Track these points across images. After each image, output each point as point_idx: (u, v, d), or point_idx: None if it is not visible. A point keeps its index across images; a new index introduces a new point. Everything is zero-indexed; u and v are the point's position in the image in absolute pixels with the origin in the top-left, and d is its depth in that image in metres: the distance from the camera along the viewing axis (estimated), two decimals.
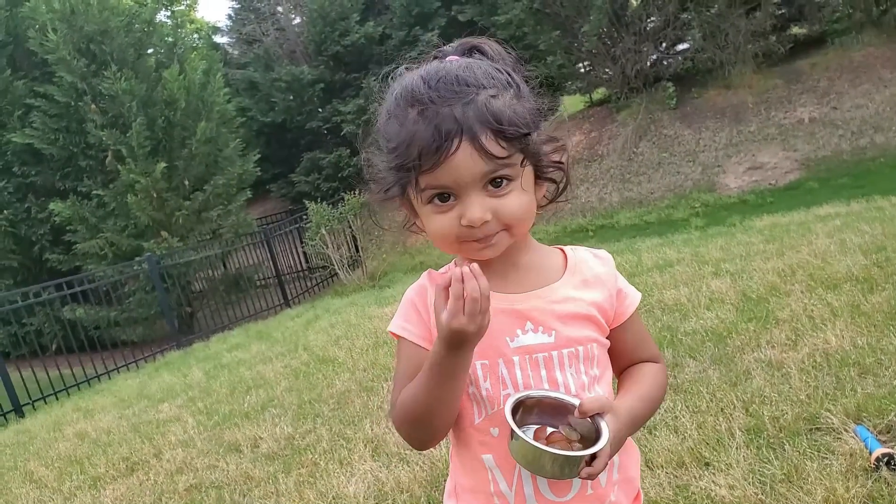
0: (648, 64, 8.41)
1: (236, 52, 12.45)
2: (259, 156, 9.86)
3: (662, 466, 1.57)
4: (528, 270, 0.75)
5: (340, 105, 10.32)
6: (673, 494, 1.46)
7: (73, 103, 7.96)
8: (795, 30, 8.48)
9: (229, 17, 12.48)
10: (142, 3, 8.89)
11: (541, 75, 0.75)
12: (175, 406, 3.36)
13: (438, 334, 0.65)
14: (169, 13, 11.08)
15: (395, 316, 0.77)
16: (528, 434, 0.66)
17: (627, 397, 0.74)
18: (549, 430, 0.69)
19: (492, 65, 0.70)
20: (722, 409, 1.75)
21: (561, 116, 8.89)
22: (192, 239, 8.16)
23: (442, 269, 0.78)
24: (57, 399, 5.51)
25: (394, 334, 0.76)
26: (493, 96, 0.66)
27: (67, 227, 8.20)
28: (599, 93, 9.29)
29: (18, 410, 5.42)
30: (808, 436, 1.54)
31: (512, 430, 0.65)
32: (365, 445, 2.14)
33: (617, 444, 0.68)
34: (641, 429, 1.72)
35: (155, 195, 7.78)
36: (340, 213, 8.12)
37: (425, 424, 0.70)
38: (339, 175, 10.40)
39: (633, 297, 0.79)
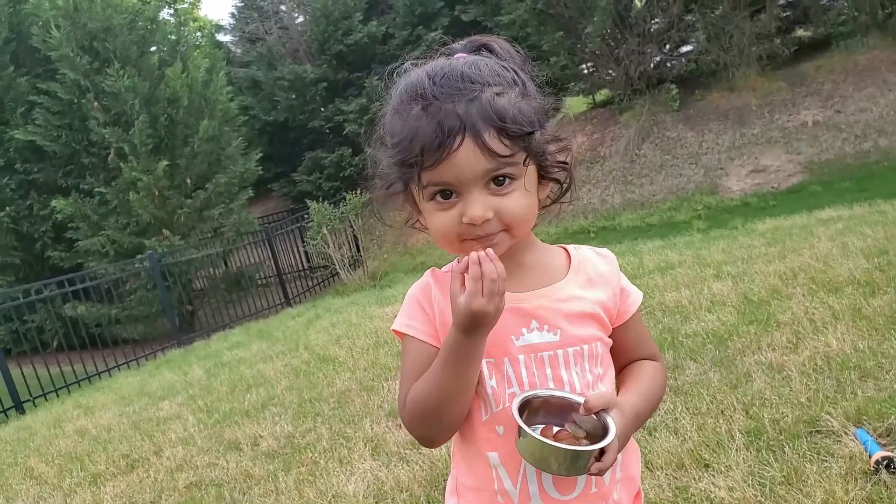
0: (652, 65, 8.40)
1: (239, 51, 12.47)
2: (261, 154, 9.87)
3: (662, 468, 1.57)
4: (532, 269, 0.75)
5: (343, 104, 10.33)
6: (672, 496, 1.46)
7: (75, 100, 7.98)
8: (800, 32, 8.47)
9: (232, 15, 12.51)
10: (145, 1, 8.90)
11: (546, 75, 0.75)
12: (175, 404, 3.36)
13: (455, 320, 0.65)
14: (172, 11, 11.11)
15: (400, 315, 0.77)
16: (535, 433, 0.66)
17: (630, 394, 0.74)
18: (555, 429, 0.69)
19: (498, 62, 0.70)
20: (722, 412, 1.75)
21: (567, 116, 8.88)
22: (194, 237, 8.18)
23: (445, 268, 0.78)
24: (57, 396, 5.52)
25: (399, 333, 0.76)
26: (497, 94, 0.66)
27: (69, 225, 8.22)
28: (602, 94, 9.28)
29: (19, 407, 5.43)
30: (808, 438, 1.54)
31: (520, 427, 0.65)
32: (365, 444, 2.14)
33: (623, 440, 0.68)
34: (641, 429, 1.72)
35: (157, 193, 7.80)
36: (342, 213, 8.13)
37: (439, 418, 0.70)
38: (341, 174, 10.41)
39: (636, 296, 0.80)
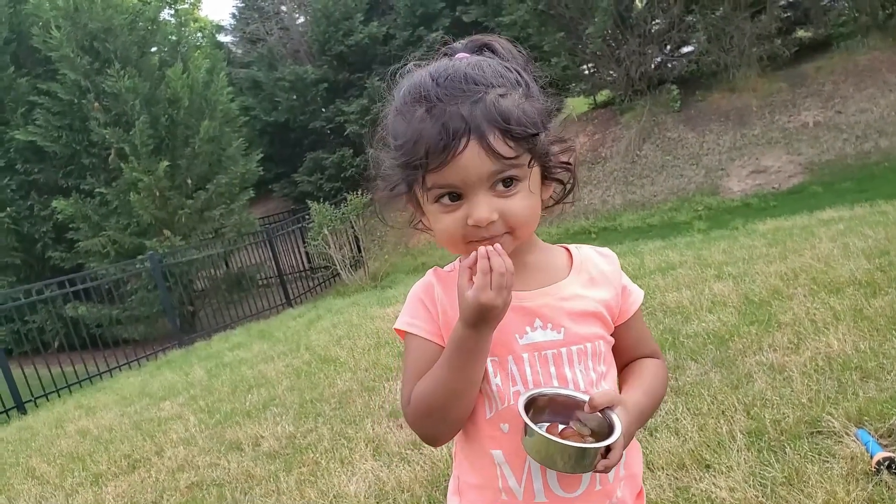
0: (653, 66, 8.40)
1: (240, 52, 12.48)
2: (262, 155, 9.88)
3: (663, 468, 1.57)
4: (535, 269, 0.75)
5: (344, 105, 10.33)
6: (673, 496, 1.46)
7: (76, 101, 7.99)
8: (801, 33, 8.47)
9: (233, 16, 12.52)
10: (145, 2, 8.91)
11: (547, 76, 0.75)
12: (177, 404, 3.37)
13: (462, 315, 0.65)
14: (173, 12, 11.13)
15: (402, 314, 0.77)
16: (541, 430, 0.66)
17: (634, 392, 0.75)
18: (560, 426, 0.70)
19: (501, 63, 0.70)
20: (723, 412, 1.75)
21: (570, 117, 8.89)
22: (195, 238, 8.18)
23: (447, 267, 0.78)
24: (59, 396, 5.53)
25: (401, 332, 0.76)
26: (501, 95, 0.66)
27: (70, 225, 8.23)
28: (603, 95, 9.28)
29: (21, 407, 5.44)
30: (810, 439, 1.54)
31: (526, 425, 0.65)
32: (366, 445, 2.14)
33: (627, 438, 0.69)
34: (642, 429, 1.72)
35: (158, 194, 7.80)
36: (343, 214, 8.13)
37: (444, 415, 0.70)
38: (342, 175, 10.41)
39: (637, 294, 0.80)
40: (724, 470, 1.50)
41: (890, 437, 1.49)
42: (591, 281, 0.77)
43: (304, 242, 8.82)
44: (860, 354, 1.88)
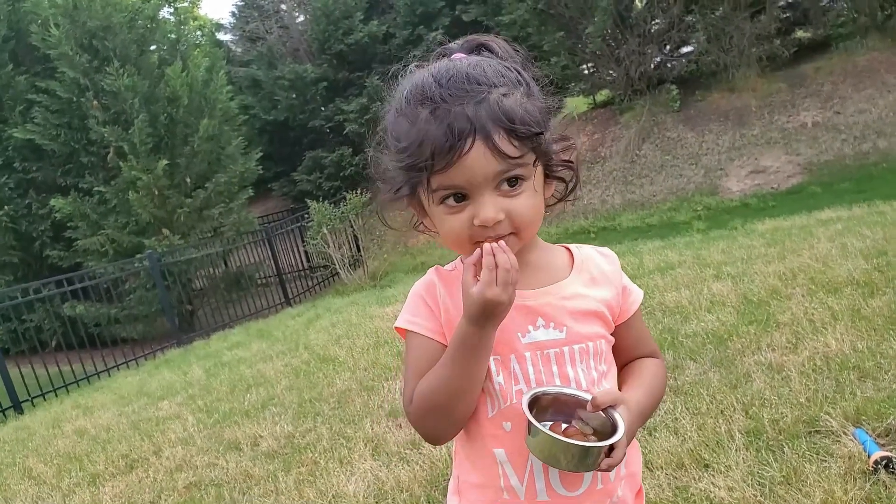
0: (652, 66, 8.41)
1: (239, 50, 12.46)
2: (261, 154, 9.86)
3: (662, 468, 1.57)
4: (537, 268, 0.75)
5: (343, 104, 10.32)
6: (672, 496, 1.47)
7: (74, 99, 7.96)
8: (800, 34, 8.48)
9: (233, 14, 12.50)
10: (145, 0, 8.90)
11: (547, 75, 0.75)
12: (175, 404, 3.36)
13: (467, 311, 0.66)
14: (172, 10, 11.08)
15: (403, 312, 0.76)
16: (545, 429, 0.66)
17: (635, 391, 0.75)
18: (563, 425, 0.70)
19: (501, 63, 0.70)
20: (722, 412, 1.76)
21: (570, 115, 8.90)
22: (194, 237, 8.17)
23: (448, 266, 0.78)
24: (56, 396, 5.51)
25: (402, 330, 0.76)
26: (504, 95, 0.66)
27: (68, 224, 8.21)
28: (603, 94, 9.29)
29: (17, 407, 5.43)
30: (808, 438, 1.54)
31: (530, 424, 0.66)
32: (365, 444, 2.14)
33: (629, 437, 0.69)
34: (641, 429, 1.72)
35: (156, 192, 7.79)
36: (342, 213, 8.12)
37: (448, 413, 0.70)
38: (342, 174, 10.41)
39: (637, 294, 0.81)
40: (722, 469, 1.50)
41: (887, 436, 1.49)
42: (592, 280, 0.77)
43: (303, 241, 8.81)
44: (858, 354, 1.88)
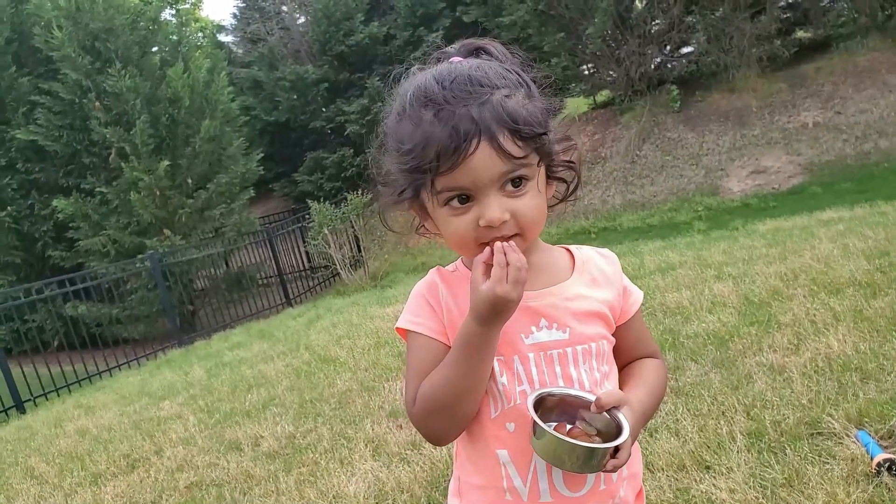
0: (652, 66, 8.40)
1: (241, 51, 12.48)
2: (262, 155, 9.88)
3: (663, 469, 1.57)
4: (539, 269, 0.75)
5: (344, 105, 10.33)
6: (673, 497, 1.46)
7: (77, 100, 7.99)
8: (800, 34, 8.47)
9: (234, 16, 12.53)
10: (147, 2, 8.91)
11: (550, 75, 0.75)
12: (176, 404, 3.36)
13: (474, 309, 0.66)
14: (174, 11, 11.11)
15: (405, 313, 0.76)
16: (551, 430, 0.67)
17: (637, 391, 0.75)
18: (568, 426, 0.70)
19: (501, 65, 0.70)
20: (723, 413, 1.75)
21: (570, 116, 8.90)
22: (195, 237, 8.18)
23: (449, 266, 0.78)
24: (58, 395, 5.52)
25: (403, 331, 0.76)
26: (507, 96, 0.66)
27: (70, 224, 8.23)
28: (603, 95, 9.28)
29: (20, 406, 5.44)
30: (810, 440, 1.54)
31: (536, 425, 0.66)
32: (366, 445, 2.14)
33: (633, 437, 0.69)
34: (642, 430, 1.72)
35: (158, 193, 7.80)
36: (343, 213, 8.13)
37: (452, 413, 0.70)
38: (342, 175, 10.41)
39: (637, 295, 0.81)
40: (724, 471, 1.49)
41: (890, 438, 1.49)
42: (593, 281, 0.77)
43: (304, 242, 8.82)
44: (860, 355, 1.88)
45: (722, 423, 1.70)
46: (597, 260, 0.80)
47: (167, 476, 2.34)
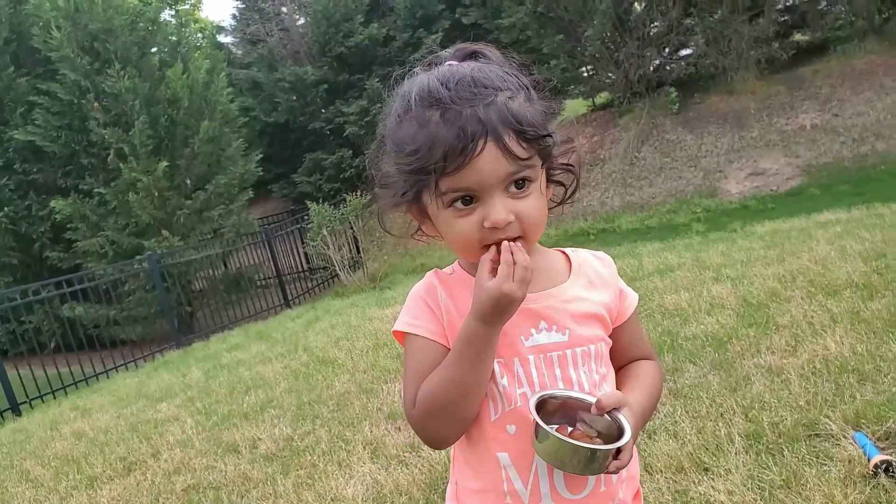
0: (651, 69, 8.42)
1: (240, 52, 12.49)
2: (261, 156, 9.87)
3: (661, 471, 1.57)
4: (537, 272, 0.75)
5: (343, 106, 10.34)
6: (672, 499, 1.46)
7: (75, 101, 7.97)
8: (798, 37, 8.50)
9: (234, 17, 12.53)
10: (146, 2, 8.91)
11: (550, 78, 0.75)
12: (174, 406, 3.35)
13: (478, 308, 0.66)
14: (173, 12, 11.13)
15: (403, 315, 0.76)
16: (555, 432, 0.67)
17: (636, 392, 0.75)
18: (569, 428, 0.70)
19: (500, 68, 0.71)
20: (721, 415, 1.75)
21: (567, 119, 8.92)
22: (193, 238, 8.17)
23: (447, 269, 0.78)
24: (54, 398, 5.50)
25: (401, 334, 0.75)
26: (510, 98, 0.67)
27: (68, 225, 8.20)
28: (602, 97, 9.31)
29: (16, 409, 5.41)
30: (807, 442, 1.54)
31: (539, 427, 0.66)
32: (364, 447, 2.13)
33: (634, 438, 0.69)
34: (641, 432, 1.72)
35: (156, 194, 7.79)
36: (342, 214, 8.12)
37: (453, 414, 0.70)
38: (341, 176, 10.41)
39: (632, 297, 0.81)
40: (722, 473, 1.49)
41: (887, 439, 1.49)
42: (590, 284, 0.78)
43: (302, 243, 8.81)
44: (857, 357, 1.88)
45: (720, 424, 1.70)
46: (593, 262, 0.80)
47: (164, 479, 2.33)
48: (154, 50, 8.65)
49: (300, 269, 9.27)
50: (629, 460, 0.67)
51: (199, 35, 13.89)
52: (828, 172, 6.82)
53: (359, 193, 8.33)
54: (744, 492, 1.41)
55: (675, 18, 7.99)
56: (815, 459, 1.46)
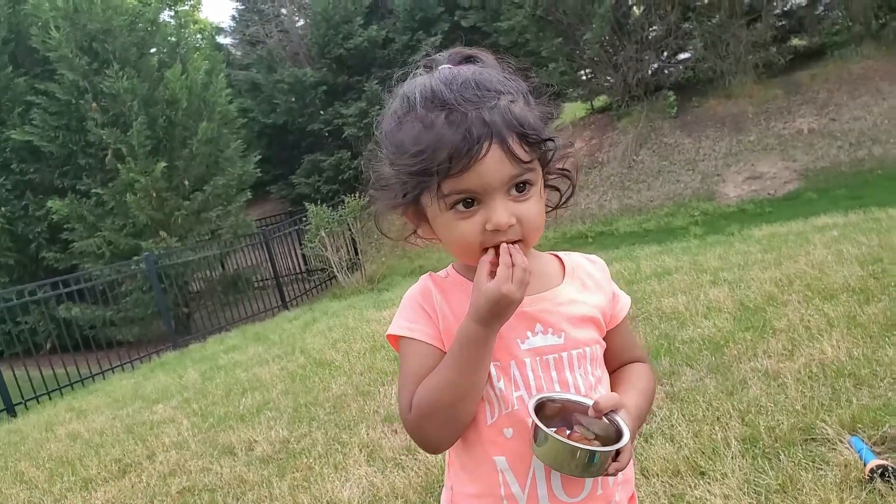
0: (650, 72, 8.45)
1: (239, 53, 12.49)
2: (260, 157, 9.86)
3: (658, 475, 1.56)
4: (532, 275, 0.75)
5: (342, 108, 10.34)
6: (668, 503, 1.46)
7: (73, 101, 7.96)
8: (795, 41, 8.55)
9: (233, 18, 12.53)
10: (145, 3, 8.91)
11: (550, 83, 0.76)
12: (170, 407, 3.34)
13: (477, 309, 0.66)
14: (172, 13, 11.12)
15: (398, 319, 0.76)
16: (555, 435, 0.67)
17: (631, 394, 0.75)
18: (567, 431, 0.70)
19: (499, 72, 0.71)
20: (718, 419, 1.75)
21: (563, 124, 8.93)
22: (191, 239, 8.15)
23: (441, 273, 0.78)
24: (50, 399, 5.47)
25: (396, 337, 0.75)
26: (512, 101, 0.67)
27: (65, 226, 8.17)
28: (601, 100, 9.33)
29: (10, 410, 5.38)
30: (804, 446, 1.54)
31: (538, 429, 0.66)
32: (360, 450, 2.13)
33: (631, 440, 0.70)
34: (637, 436, 1.72)
35: (154, 195, 7.77)
36: (340, 216, 8.12)
37: (451, 417, 0.69)
38: (340, 177, 10.41)
39: (625, 300, 0.82)
40: (718, 477, 1.49)
41: (883, 444, 1.49)
42: (584, 287, 0.78)
43: (300, 244, 8.80)
44: (854, 361, 1.88)
45: (717, 428, 1.70)
46: (586, 266, 0.80)
47: (159, 481, 2.32)
48: (153, 50, 8.65)
49: (298, 271, 9.26)
50: (628, 462, 0.67)
51: (199, 36, 13.90)
52: (825, 176, 6.84)
53: (357, 195, 8.32)
54: (740, 496, 1.41)
55: (674, 22, 8.03)
56: (811, 464, 1.46)
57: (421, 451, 1.97)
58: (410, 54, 9.49)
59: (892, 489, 1.32)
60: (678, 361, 2.20)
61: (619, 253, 4.64)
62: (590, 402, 0.69)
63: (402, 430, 2.19)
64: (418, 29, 10.29)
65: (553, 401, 0.70)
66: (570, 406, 0.70)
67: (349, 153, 10.34)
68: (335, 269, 8.12)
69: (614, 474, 0.67)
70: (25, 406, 5.43)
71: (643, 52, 8.22)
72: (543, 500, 0.71)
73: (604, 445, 0.66)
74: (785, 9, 8.36)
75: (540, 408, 0.69)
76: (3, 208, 8.53)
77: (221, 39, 13.33)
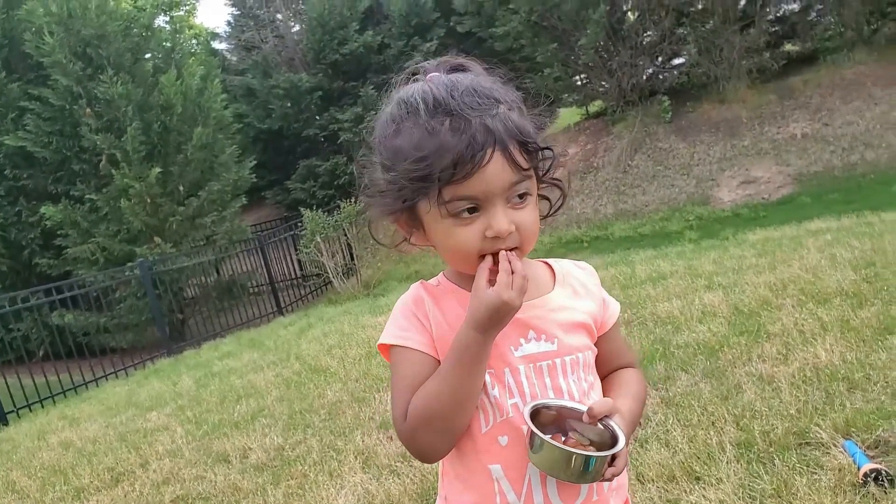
0: (644, 77, 8.52)
1: (234, 59, 12.50)
2: (255, 162, 9.86)
3: (653, 480, 1.56)
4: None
5: (338, 113, 10.36)
6: None
7: (67, 107, 7.93)
8: (788, 47, 8.65)
9: (228, 23, 12.56)
10: (140, 8, 8.91)
11: (541, 88, 0.76)
12: (164, 415, 3.31)
13: (474, 316, 0.66)
14: (167, 18, 11.11)
15: (390, 327, 0.75)
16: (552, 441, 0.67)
17: (625, 400, 0.76)
18: (562, 437, 0.70)
19: (494, 80, 0.71)
20: (713, 423, 1.75)
21: (552, 134, 8.98)
22: (186, 245, 8.11)
23: (432, 281, 0.78)
24: (42, 407, 5.41)
25: (388, 346, 0.74)
26: (510, 109, 0.68)
27: (58, 232, 8.12)
28: (595, 105, 9.39)
29: (2, 418, 5.31)
30: (798, 450, 1.55)
31: (534, 436, 0.66)
32: (355, 457, 2.12)
33: (626, 445, 0.70)
34: (632, 441, 1.72)
35: (149, 200, 7.74)
36: (336, 221, 8.11)
37: (447, 425, 0.69)
38: (335, 183, 10.41)
39: (615, 306, 0.82)
40: (713, 482, 1.49)
41: (877, 448, 1.50)
42: (574, 293, 0.78)
43: (296, 250, 8.78)
44: (847, 365, 1.89)
45: (712, 433, 1.70)
46: (575, 272, 0.81)
47: (152, 490, 2.30)
48: (148, 56, 8.64)
49: (293, 277, 9.23)
50: (624, 466, 0.67)
51: (194, 41, 13.88)
52: (818, 181, 6.90)
53: (353, 200, 8.31)
54: (735, 501, 1.41)
55: (668, 28, 8.10)
56: (805, 468, 1.46)
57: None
58: (406, 60, 9.52)
59: (885, 493, 1.32)
60: (673, 366, 2.20)
61: (614, 257, 4.66)
62: (584, 409, 0.69)
63: (397, 438, 2.17)
64: (414, 34, 10.33)
65: (548, 407, 0.70)
66: (565, 412, 0.70)
67: (345, 158, 10.35)
68: (331, 275, 8.10)
69: (610, 479, 0.67)
70: (18, 414, 5.36)
71: (638, 57, 8.29)
72: None
73: (599, 451, 0.66)
74: (778, 14, 8.46)
75: (535, 415, 0.69)
76: None
77: (217, 45, 13.34)
